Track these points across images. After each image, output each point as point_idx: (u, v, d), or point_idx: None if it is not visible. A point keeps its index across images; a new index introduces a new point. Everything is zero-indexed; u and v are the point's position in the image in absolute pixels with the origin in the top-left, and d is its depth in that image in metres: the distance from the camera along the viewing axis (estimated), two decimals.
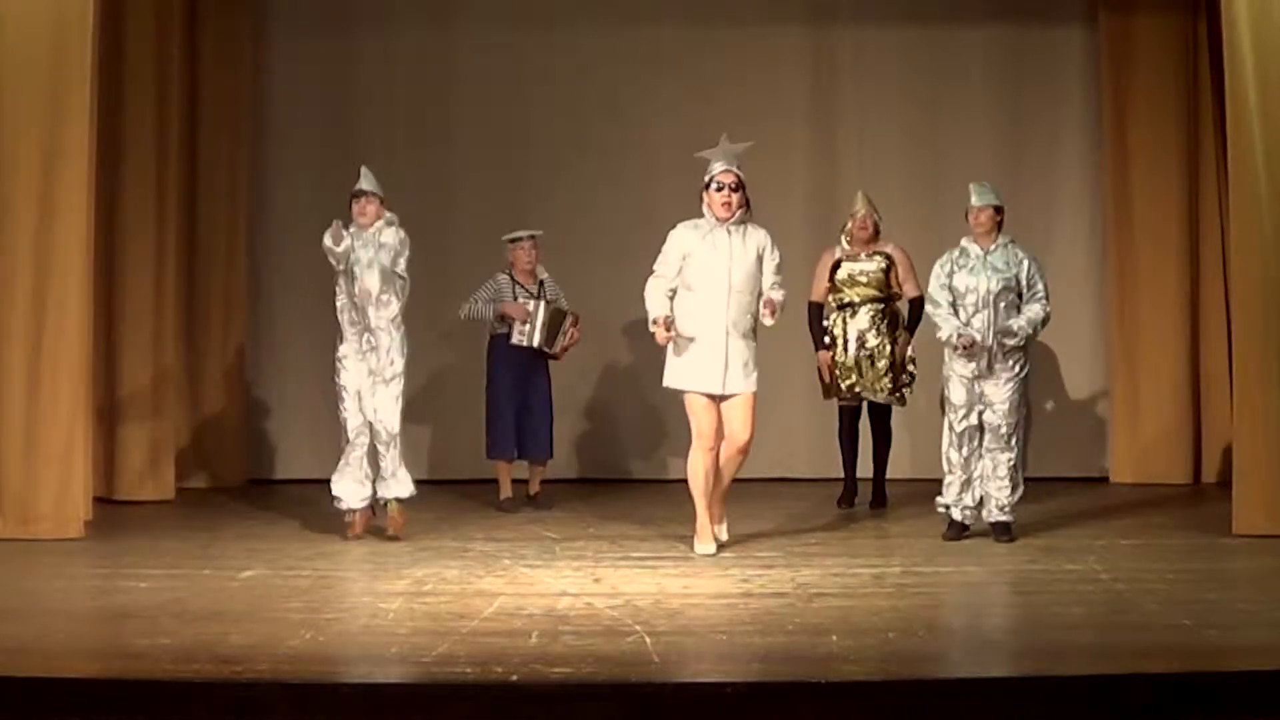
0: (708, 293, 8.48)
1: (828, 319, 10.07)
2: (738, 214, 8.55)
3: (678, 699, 5.74)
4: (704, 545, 8.57)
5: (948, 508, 8.89)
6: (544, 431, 10.28)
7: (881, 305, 9.99)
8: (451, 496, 10.63)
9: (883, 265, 10.01)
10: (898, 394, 10.00)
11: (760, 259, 8.55)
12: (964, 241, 8.96)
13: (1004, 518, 8.79)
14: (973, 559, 8.34)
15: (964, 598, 7.34)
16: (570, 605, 7.19)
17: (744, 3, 11.76)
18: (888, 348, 9.91)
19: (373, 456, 9.12)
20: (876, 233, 10.09)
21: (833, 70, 11.80)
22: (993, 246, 8.88)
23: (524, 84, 11.76)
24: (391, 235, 9.15)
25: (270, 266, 11.84)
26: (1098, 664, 6.02)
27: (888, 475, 10.27)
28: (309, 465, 11.73)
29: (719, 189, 8.54)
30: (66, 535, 9.02)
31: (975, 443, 8.82)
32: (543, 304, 10.14)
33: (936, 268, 8.96)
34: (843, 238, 10.13)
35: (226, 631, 6.64)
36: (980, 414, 8.80)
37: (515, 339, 10.08)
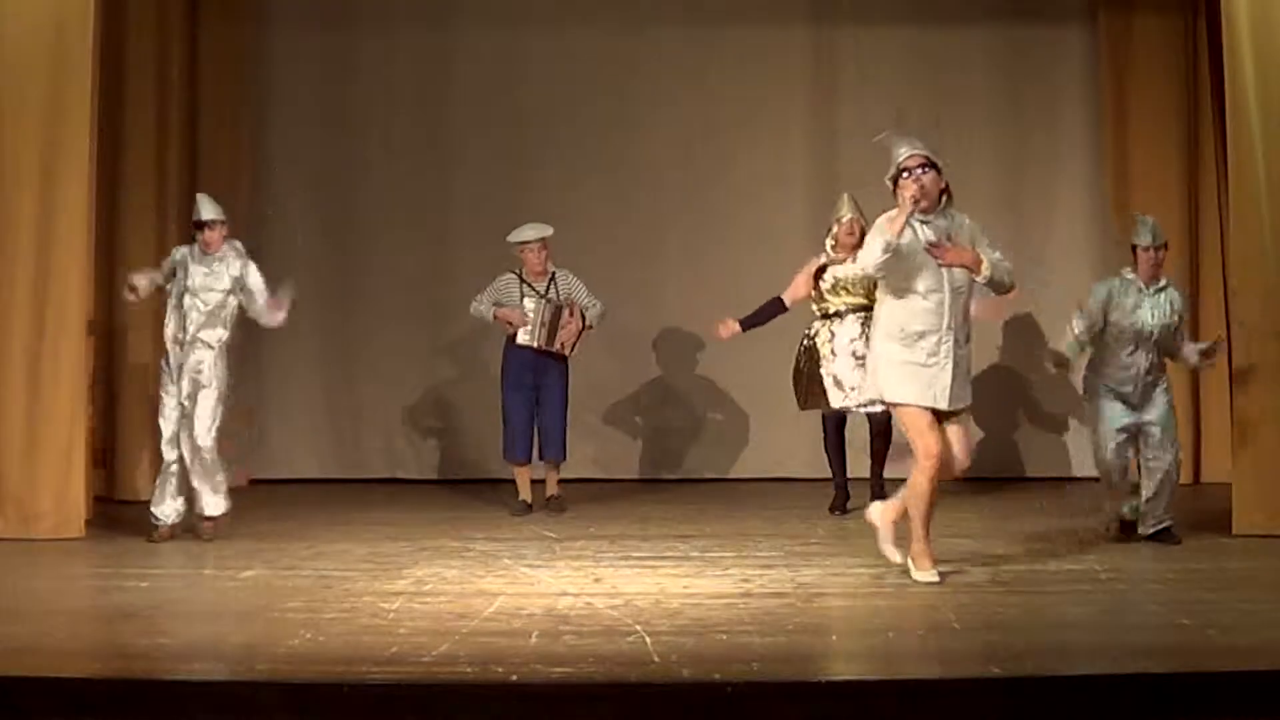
0: (926, 292, 7.58)
1: (810, 329, 9.84)
2: (941, 201, 7.71)
3: (678, 699, 5.74)
4: (925, 573, 7.65)
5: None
6: (557, 432, 10.13)
7: (868, 312, 9.38)
8: (458, 496, 10.63)
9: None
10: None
11: (973, 244, 7.70)
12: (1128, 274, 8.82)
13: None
14: (973, 559, 8.33)
15: (964, 598, 7.34)
16: (570, 605, 7.19)
17: (745, 2, 11.76)
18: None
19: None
20: (863, 237, 9.57)
21: (833, 70, 11.80)
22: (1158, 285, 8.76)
23: (524, 84, 11.76)
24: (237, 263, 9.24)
25: (270, 266, 11.82)
26: (1098, 664, 6.02)
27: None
28: (309, 465, 11.75)
29: (908, 174, 7.64)
30: (66, 535, 9.02)
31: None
32: (543, 303, 10.01)
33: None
34: (828, 243, 9.87)
35: (226, 631, 6.64)
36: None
37: (521, 339, 10.00)
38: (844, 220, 9.83)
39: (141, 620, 6.90)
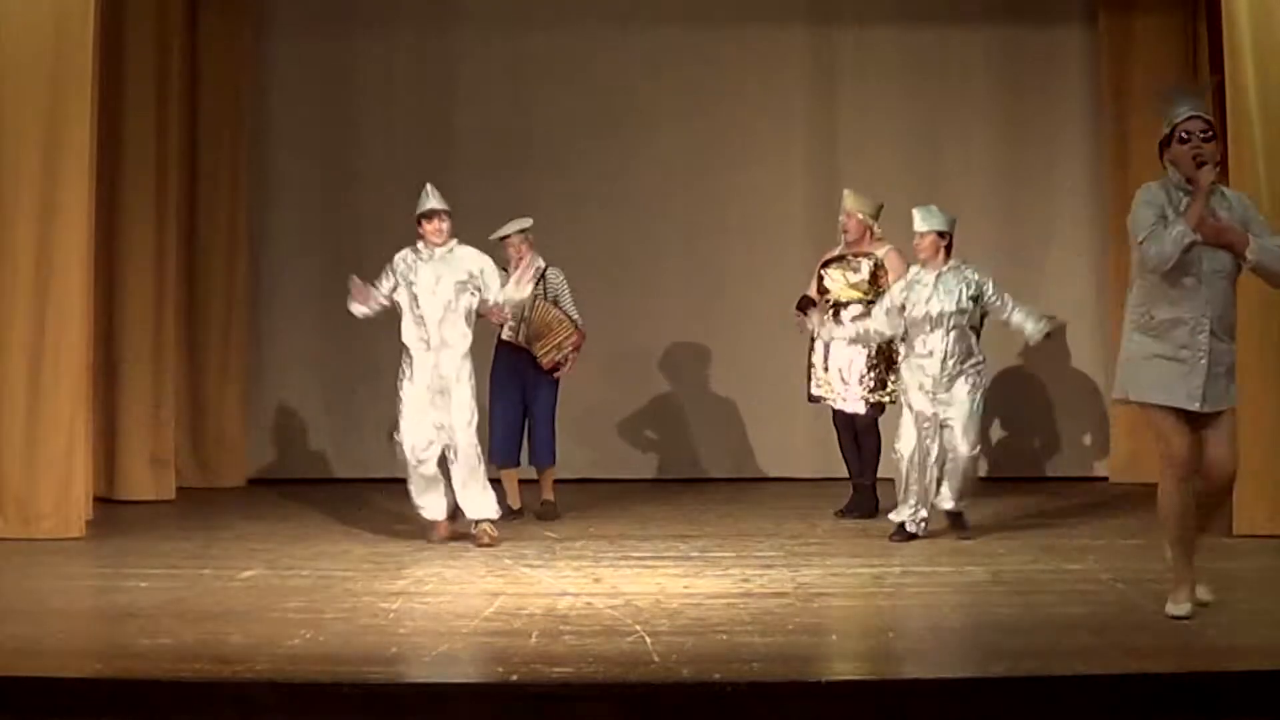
0: (1182, 277, 6.51)
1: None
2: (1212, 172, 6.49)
3: (678, 699, 5.74)
4: (1178, 606, 6.65)
5: None
6: (546, 436, 9.89)
7: (865, 309, 9.51)
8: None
9: (869, 267, 9.64)
10: (878, 401, 9.61)
11: (1245, 227, 6.58)
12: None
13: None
14: (973, 559, 8.34)
15: (964, 598, 7.34)
16: (570, 605, 7.19)
17: (744, 3, 11.77)
18: (871, 353, 9.52)
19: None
20: (863, 234, 9.73)
21: (833, 70, 11.81)
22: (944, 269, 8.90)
23: (524, 84, 11.77)
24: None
25: (270, 266, 11.85)
26: (1098, 664, 6.01)
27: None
28: (309, 465, 11.76)
29: (1184, 140, 6.52)
30: (67, 535, 9.02)
31: None
32: (532, 298, 9.64)
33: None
34: (842, 237, 9.84)
35: (226, 631, 6.64)
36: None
37: (505, 334, 9.75)
38: (840, 216, 9.80)
39: (141, 620, 6.90)
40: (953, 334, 8.85)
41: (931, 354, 8.84)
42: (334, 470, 11.72)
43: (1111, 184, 11.43)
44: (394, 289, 8.98)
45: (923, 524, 8.85)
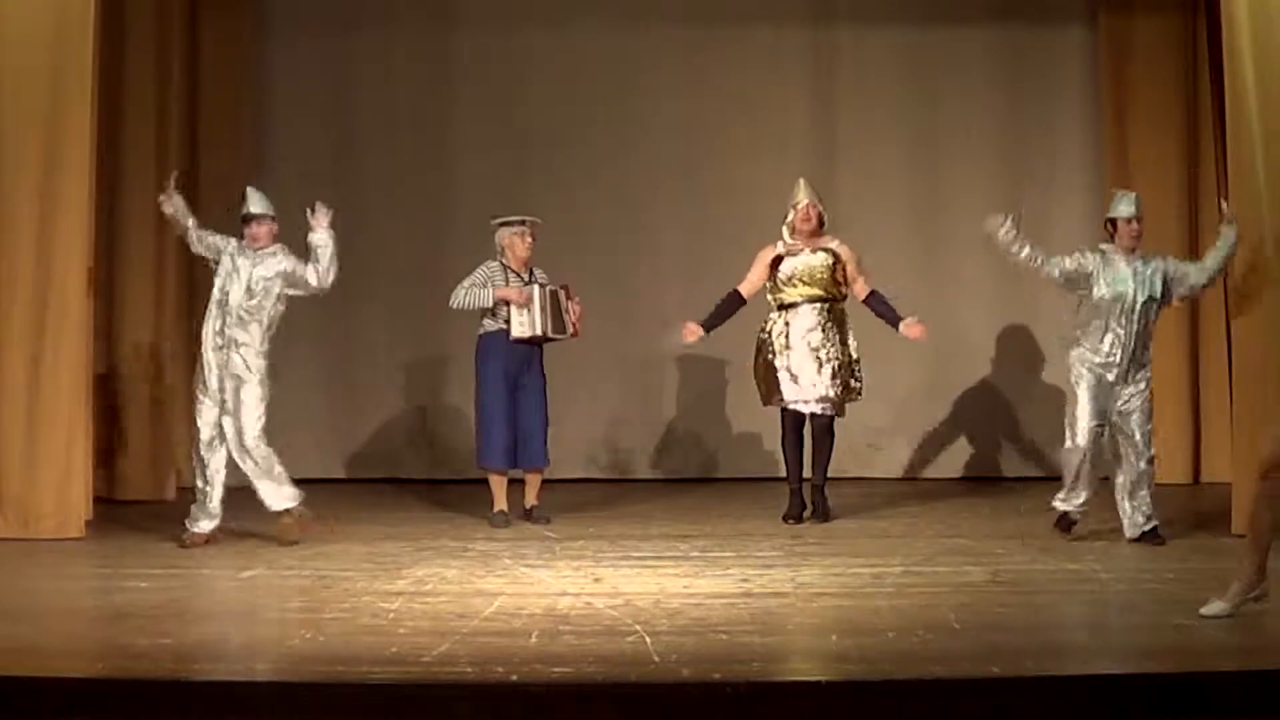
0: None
1: (766, 321, 9.57)
2: None
3: (678, 699, 5.74)
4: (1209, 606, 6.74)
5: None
6: (538, 438, 9.58)
7: (826, 304, 9.43)
8: (458, 497, 10.62)
9: (828, 261, 9.42)
10: (844, 399, 9.45)
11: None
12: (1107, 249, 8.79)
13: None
14: (973, 559, 8.34)
15: (964, 598, 7.34)
16: (570, 605, 7.19)
17: (744, 2, 11.76)
18: (835, 350, 9.39)
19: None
20: (821, 224, 9.49)
21: (833, 70, 11.80)
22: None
23: (524, 84, 11.76)
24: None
25: None
26: (1098, 664, 6.02)
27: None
28: (309, 465, 11.73)
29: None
30: (66, 535, 9.02)
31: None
32: (536, 288, 9.54)
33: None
34: (784, 230, 9.51)
35: (226, 631, 6.64)
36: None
37: (516, 331, 9.49)
38: (800, 206, 9.49)
39: (141, 620, 6.90)
40: (1139, 325, 8.65)
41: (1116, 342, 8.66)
42: (334, 470, 11.71)
43: (1111, 184, 11.40)
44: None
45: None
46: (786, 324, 9.47)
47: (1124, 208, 8.79)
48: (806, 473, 9.61)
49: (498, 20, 11.76)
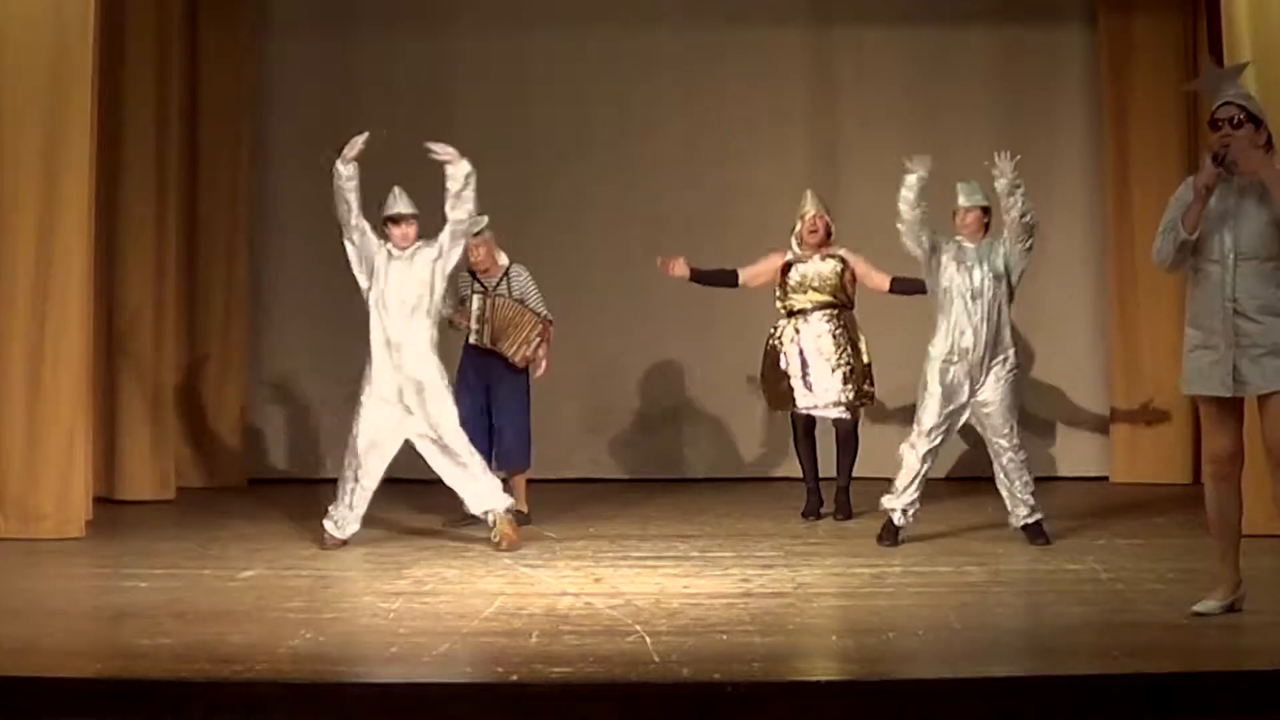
0: (1204, 263, 6.56)
1: (775, 327, 9.66)
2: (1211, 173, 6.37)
3: (678, 699, 5.74)
4: (1203, 603, 6.74)
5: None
6: (517, 441, 9.53)
7: (836, 310, 9.55)
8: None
9: (837, 269, 9.56)
10: (858, 404, 9.57)
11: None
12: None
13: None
14: (973, 559, 8.34)
15: (964, 598, 7.34)
16: (570, 605, 7.19)
17: (744, 4, 11.76)
18: (848, 355, 9.50)
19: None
20: (828, 235, 9.61)
21: (833, 71, 11.80)
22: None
23: (524, 84, 11.77)
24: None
25: (270, 266, 11.85)
26: (1098, 664, 6.02)
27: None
28: (309, 465, 11.75)
29: (1215, 127, 6.41)
30: (67, 535, 9.02)
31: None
32: (476, 297, 9.51)
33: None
34: (792, 240, 9.66)
35: (226, 631, 6.64)
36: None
37: (472, 339, 9.52)
38: (806, 216, 9.60)
39: (141, 620, 6.90)
40: (987, 308, 8.66)
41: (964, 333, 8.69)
42: (334, 470, 11.69)
43: (1111, 185, 11.43)
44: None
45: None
46: (796, 330, 9.57)
47: (960, 199, 8.94)
48: (818, 471, 9.81)
49: (498, 22, 11.76)
